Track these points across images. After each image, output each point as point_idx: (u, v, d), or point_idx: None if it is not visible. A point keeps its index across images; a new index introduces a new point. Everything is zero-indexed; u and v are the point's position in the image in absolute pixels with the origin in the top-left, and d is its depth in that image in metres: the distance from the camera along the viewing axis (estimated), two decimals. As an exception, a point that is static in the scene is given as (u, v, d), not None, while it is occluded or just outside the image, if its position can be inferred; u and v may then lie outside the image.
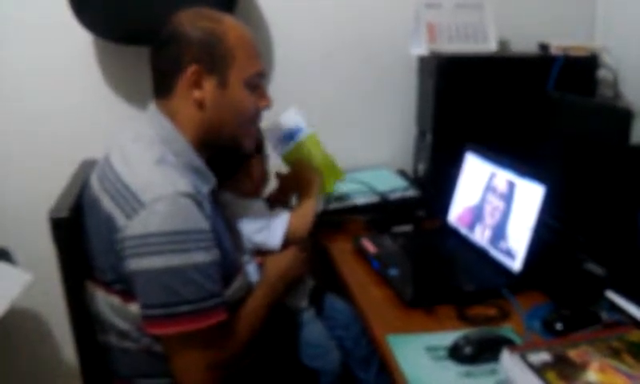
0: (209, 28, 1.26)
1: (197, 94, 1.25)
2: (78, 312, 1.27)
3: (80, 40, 1.87)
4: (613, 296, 1.22)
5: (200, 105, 1.26)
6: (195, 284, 1.13)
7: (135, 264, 1.12)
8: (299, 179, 1.65)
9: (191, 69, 1.24)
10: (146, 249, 1.11)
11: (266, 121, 1.50)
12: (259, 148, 1.55)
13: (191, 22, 1.26)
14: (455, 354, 1.15)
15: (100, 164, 1.30)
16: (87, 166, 1.47)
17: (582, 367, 0.93)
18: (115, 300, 1.22)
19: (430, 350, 1.18)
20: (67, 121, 1.95)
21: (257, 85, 1.34)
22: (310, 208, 1.57)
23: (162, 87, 1.28)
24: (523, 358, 0.95)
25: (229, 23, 1.29)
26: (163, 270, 1.11)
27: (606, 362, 0.94)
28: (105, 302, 1.24)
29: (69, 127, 1.95)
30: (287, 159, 1.68)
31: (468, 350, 1.14)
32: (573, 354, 0.96)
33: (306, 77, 2.05)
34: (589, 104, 1.68)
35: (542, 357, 0.95)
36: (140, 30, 1.75)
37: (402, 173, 2.05)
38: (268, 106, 1.37)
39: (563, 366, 0.93)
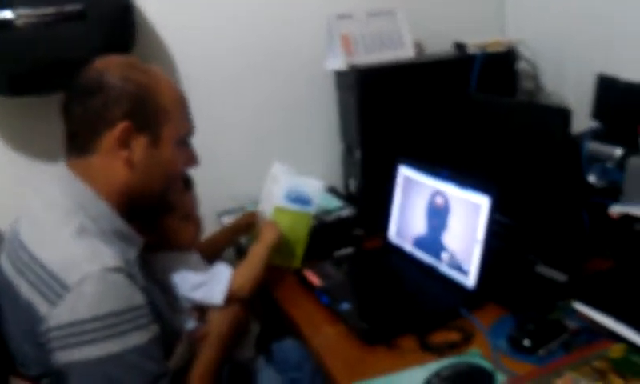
0: (142, 82, 1.13)
1: (125, 153, 1.12)
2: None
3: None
4: (581, 307, 1.18)
5: (128, 165, 1.13)
6: (138, 369, 1.01)
7: (67, 357, 0.98)
8: (263, 230, 1.57)
9: (121, 125, 1.10)
10: (77, 338, 0.97)
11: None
12: (188, 186, 1.43)
13: (121, 72, 1.12)
14: (429, 395, 1.08)
15: (8, 241, 1.15)
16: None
17: (572, 398, 0.88)
18: (45, 396, 1.07)
19: (402, 393, 1.11)
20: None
21: (186, 143, 1.23)
22: (258, 264, 1.47)
23: (80, 143, 1.13)
24: (511, 398, 0.89)
25: (161, 77, 1.18)
26: (100, 360, 0.98)
27: (594, 388, 0.89)
28: (34, 398, 1.09)
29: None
30: (278, 215, 1.62)
31: (442, 388, 1.07)
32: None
33: (221, 104, 1.93)
34: (515, 104, 1.67)
35: (529, 394, 0.89)
36: (24, 78, 1.59)
37: (333, 190, 1.97)
38: (196, 165, 1.27)
39: (553, 400, 0.88)
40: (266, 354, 1.56)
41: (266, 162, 1.80)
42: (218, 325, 1.33)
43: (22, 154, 1.78)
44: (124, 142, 1.12)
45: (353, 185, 1.93)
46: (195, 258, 1.43)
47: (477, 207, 1.38)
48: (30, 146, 1.78)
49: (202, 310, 1.38)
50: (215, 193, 1.74)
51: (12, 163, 1.77)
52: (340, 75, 1.88)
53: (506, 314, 1.31)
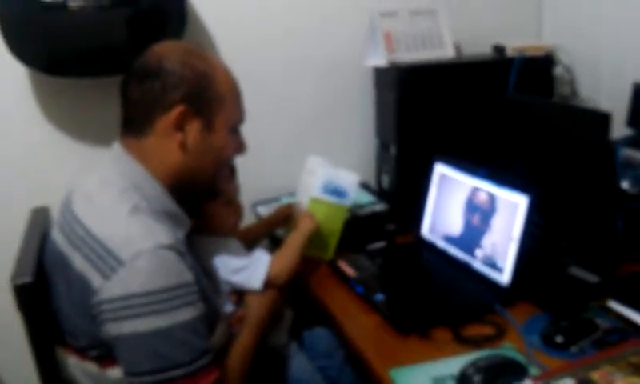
0: (200, 68, 1.16)
1: (179, 136, 1.16)
2: (51, 381, 1.15)
3: (17, 77, 1.71)
4: (616, 306, 1.21)
5: (181, 148, 1.17)
6: (186, 344, 1.04)
7: (116, 329, 1.02)
8: (300, 220, 1.57)
9: (178, 109, 1.14)
10: (128, 312, 1.01)
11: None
12: (232, 173, 1.47)
13: (180, 57, 1.16)
14: (465, 383, 1.11)
15: (61, 215, 1.18)
16: (40, 216, 1.35)
17: (609, 391, 0.90)
18: (91, 366, 1.11)
19: (438, 381, 1.14)
20: (12, 168, 1.78)
21: (237, 130, 1.27)
22: (295, 253, 1.48)
23: (137, 124, 1.17)
24: (548, 388, 0.92)
25: (218, 65, 1.21)
26: (149, 334, 1.01)
27: (630, 382, 0.91)
28: (79, 369, 1.13)
29: (13, 174, 1.78)
30: (314, 206, 1.62)
31: (477, 378, 1.10)
32: (596, 376, 0.94)
33: (259, 96, 1.95)
34: (555, 106, 1.68)
35: (567, 384, 0.92)
36: (69, 60, 1.63)
37: (366, 186, 2.00)
38: (245, 152, 1.30)
39: (590, 391, 0.91)
40: (298, 341, 1.60)
41: (300, 154, 1.82)
42: (256, 308, 1.36)
43: (76, 135, 1.82)
44: (179, 126, 1.15)
45: (386, 181, 1.95)
46: (236, 243, 1.46)
47: (514, 206, 1.40)
48: (84, 127, 1.82)
49: (239, 294, 1.41)
50: (251, 182, 1.76)
51: (64, 144, 1.81)
52: (379, 72, 1.91)
53: (539, 313, 1.34)
